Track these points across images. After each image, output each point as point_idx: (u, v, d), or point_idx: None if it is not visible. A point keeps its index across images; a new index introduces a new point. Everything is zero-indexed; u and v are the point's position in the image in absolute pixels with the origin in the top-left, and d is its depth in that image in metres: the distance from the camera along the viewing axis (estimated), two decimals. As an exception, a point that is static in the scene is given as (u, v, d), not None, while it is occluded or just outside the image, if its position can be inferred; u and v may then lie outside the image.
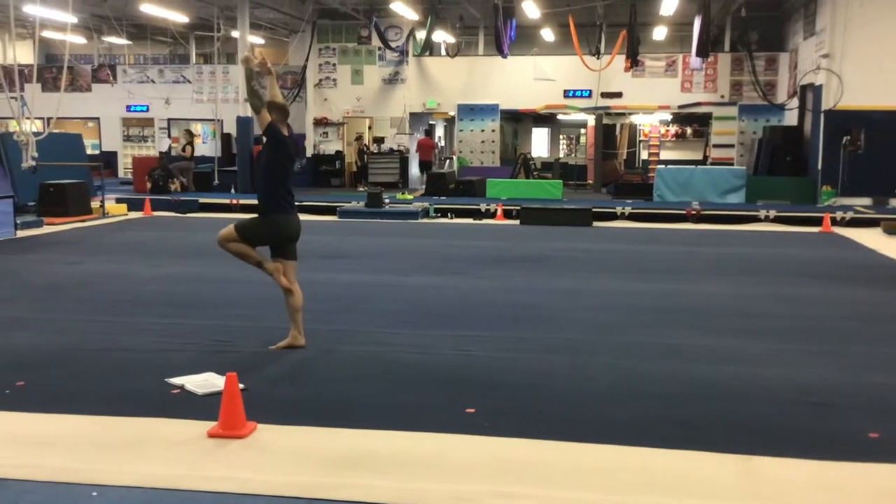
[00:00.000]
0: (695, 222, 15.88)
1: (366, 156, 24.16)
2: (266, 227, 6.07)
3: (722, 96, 22.82)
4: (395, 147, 24.37)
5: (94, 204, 15.91)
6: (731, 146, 23.07)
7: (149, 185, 19.69)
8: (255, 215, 6.17)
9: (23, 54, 22.97)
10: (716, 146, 23.52)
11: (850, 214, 15.58)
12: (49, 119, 14.20)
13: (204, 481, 3.76)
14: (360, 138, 24.54)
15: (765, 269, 10.35)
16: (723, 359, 5.95)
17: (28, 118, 13.45)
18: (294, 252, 6.22)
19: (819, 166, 18.23)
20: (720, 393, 5.13)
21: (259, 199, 6.13)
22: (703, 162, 24.24)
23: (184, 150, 20.45)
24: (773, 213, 16.00)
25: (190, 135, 21.11)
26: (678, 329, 6.92)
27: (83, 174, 16.62)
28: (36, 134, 13.18)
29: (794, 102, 20.79)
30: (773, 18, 22.63)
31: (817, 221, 15.19)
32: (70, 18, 16.96)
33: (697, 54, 20.13)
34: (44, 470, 3.87)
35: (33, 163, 12.68)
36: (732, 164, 21.97)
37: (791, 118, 21.28)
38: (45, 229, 13.85)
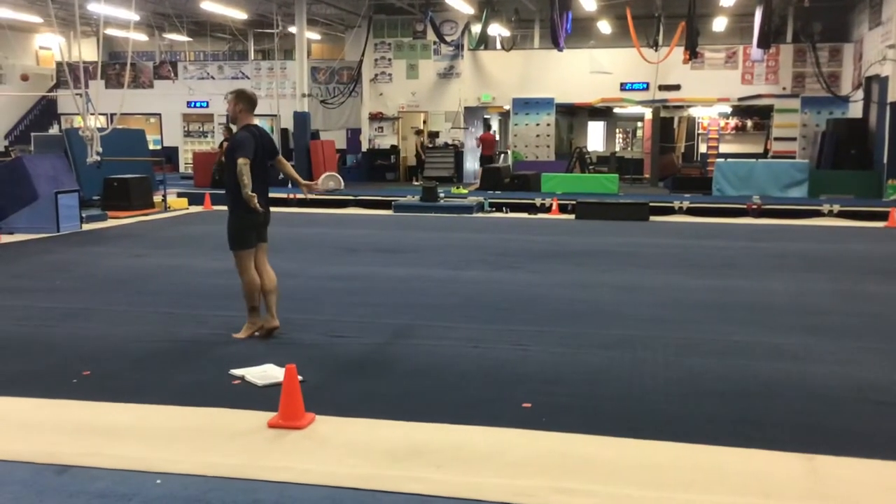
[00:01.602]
0: (755, 217, 15.59)
1: (426, 151, 24.10)
2: (241, 224, 6.17)
3: (784, 88, 22.35)
4: (450, 141, 24.38)
5: (156, 198, 16.24)
6: (793, 139, 22.60)
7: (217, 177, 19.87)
8: (229, 222, 6.28)
9: (87, 52, 23.53)
10: (777, 139, 23.07)
11: (917, 209, 15.15)
12: (113, 115, 14.53)
13: (264, 471, 3.81)
14: (420, 132, 24.46)
15: (828, 264, 10.12)
16: (784, 356, 5.83)
17: (92, 114, 13.75)
18: (264, 235, 6.35)
19: (885, 160, 17.72)
20: (781, 391, 5.03)
21: (229, 195, 6.19)
22: (764, 155, 23.78)
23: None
24: (836, 208, 15.64)
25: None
26: (738, 326, 6.81)
27: (145, 169, 16.97)
28: (100, 130, 13.49)
29: (859, 94, 20.27)
30: (836, 8, 22.08)
31: (883, 216, 14.80)
32: (132, 16, 17.33)
33: (759, 46, 19.75)
34: (109, 458, 3.96)
35: (97, 158, 12.98)
36: (794, 158, 21.51)
37: (855, 110, 20.75)
38: (109, 223, 14.19)
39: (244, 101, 6.22)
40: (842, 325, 6.88)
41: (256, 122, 6.40)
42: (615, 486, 3.68)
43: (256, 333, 6.22)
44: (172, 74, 27.45)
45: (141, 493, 3.58)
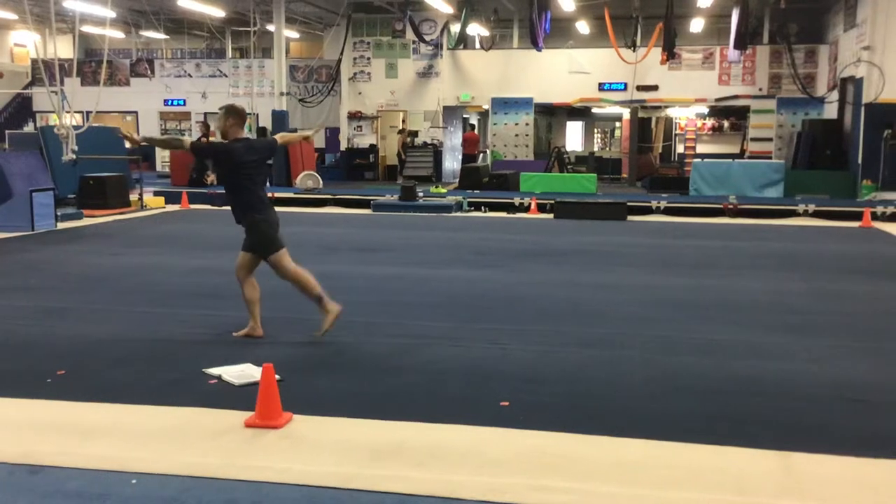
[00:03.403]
0: (732, 217, 15.71)
1: (409, 150, 23.88)
2: (264, 228, 6.17)
3: (760, 89, 22.52)
4: (429, 140, 24.37)
5: (133, 197, 16.12)
6: (770, 140, 22.78)
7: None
8: (252, 233, 6.22)
9: (63, 49, 23.32)
10: (753, 140, 23.23)
11: (890, 209, 15.32)
12: (89, 113, 14.41)
13: (241, 471, 3.79)
14: (403, 130, 24.25)
15: (803, 264, 10.21)
16: (760, 354, 5.88)
17: (68, 112, 13.62)
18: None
19: (859, 160, 17.92)
20: (758, 389, 5.07)
21: (238, 213, 6.19)
22: (741, 156, 23.95)
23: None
24: (811, 208, 15.79)
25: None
26: (715, 324, 6.85)
27: (122, 167, 16.83)
28: (76, 127, 13.36)
29: (834, 95, 20.47)
30: (812, 10, 22.29)
31: (857, 216, 14.95)
32: (109, 13, 17.20)
33: (735, 47, 19.90)
34: (84, 458, 3.93)
35: (73, 156, 12.86)
36: (770, 158, 21.68)
37: (831, 111, 20.95)
38: (85, 221, 14.05)
39: (234, 115, 6.19)
40: (817, 323, 6.94)
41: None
42: (593, 483, 3.69)
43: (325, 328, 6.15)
44: (149, 72, 27.27)
45: (116, 493, 3.55)
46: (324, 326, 6.15)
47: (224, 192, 6.29)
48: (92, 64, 26.40)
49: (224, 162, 6.15)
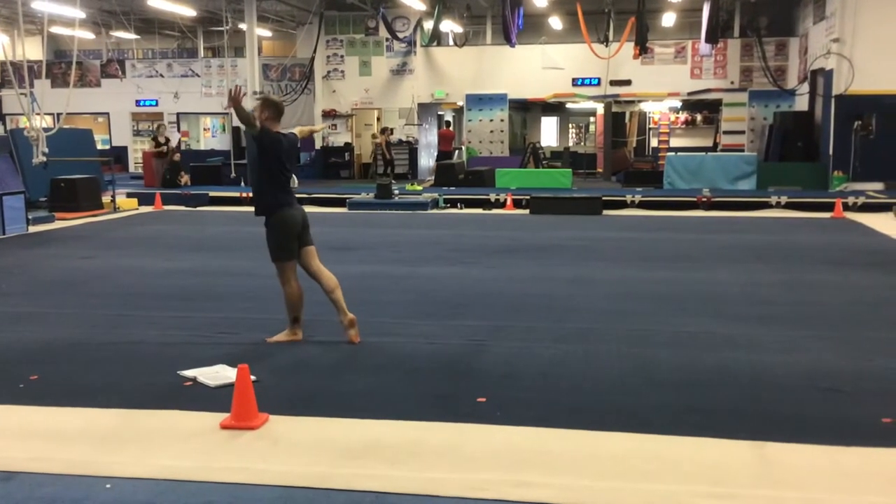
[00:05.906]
0: (706, 209, 15.81)
1: (392, 148, 23.54)
2: (279, 233, 5.97)
3: (732, 82, 22.68)
4: (404, 138, 24.32)
5: (105, 199, 15.95)
6: (742, 132, 22.94)
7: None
8: (264, 228, 6.03)
9: (31, 50, 23.02)
10: (726, 133, 23.40)
11: (861, 199, 15.49)
12: (59, 115, 14.25)
13: (217, 472, 3.77)
14: (385, 130, 23.97)
15: (776, 255, 10.30)
16: (734, 346, 5.92)
17: (38, 114, 13.48)
18: (308, 239, 6.13)
19: (830, 151, 18.11)
20: (732, 380, 5.11)
21: (257, 200, 6.04)
22: (714, 149, 24.12)
23: (176, 147, 20.29)
24: (784, 200, 15.93)
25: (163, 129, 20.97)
26: (689, 317, 6.90)
27: (94, 169, 16.66)
28: (46, 130, 13.22)
29: (805, 88, 20.66)
30: (782, 3, 22.46)
31: (829, 207, 15.09)
32: (78, 14, 17.01)
33: (707, 40, 20.02)
34: (57, 463, 3.89)
35: (44, 158, 12.72)
36: (743, 151, 21.84)
37: (802, 103, 21.14)
38: (57, 224, 13.90)
39: (271, 108, 5.97)
40: (790, 314, 7.01)
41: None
42: (571, 477, 3.70)
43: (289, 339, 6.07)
44: (120, 73, 26.99)
45: (90, 498, 3.52)
46: (276, 337, 6.08)
47: (252, 184, 6.11)
48: (62, 65, 26.11)
49: (270, 151, 5.93)
